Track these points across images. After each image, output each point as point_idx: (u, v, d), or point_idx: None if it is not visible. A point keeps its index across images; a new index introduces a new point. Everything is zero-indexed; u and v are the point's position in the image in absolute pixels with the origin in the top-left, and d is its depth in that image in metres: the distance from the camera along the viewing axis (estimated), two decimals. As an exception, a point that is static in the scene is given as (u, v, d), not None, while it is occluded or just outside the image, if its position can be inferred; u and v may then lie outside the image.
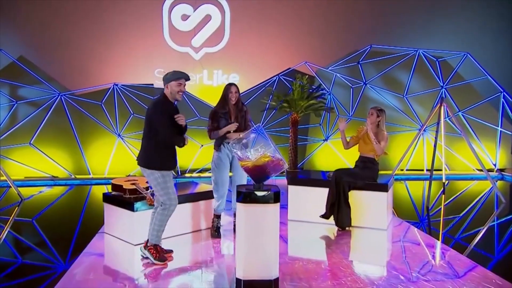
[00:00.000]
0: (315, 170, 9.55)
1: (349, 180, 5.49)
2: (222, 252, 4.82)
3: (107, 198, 5.19)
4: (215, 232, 5.16)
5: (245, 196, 3.65)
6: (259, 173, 3.71)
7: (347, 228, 5.51)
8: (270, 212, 3.67)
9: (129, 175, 9.31)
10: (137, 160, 4.30)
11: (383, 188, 5.49)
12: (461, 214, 6.73)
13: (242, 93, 9.94)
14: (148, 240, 4.28)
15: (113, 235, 5.11)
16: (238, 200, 3.68)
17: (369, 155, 5.64)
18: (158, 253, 4.24)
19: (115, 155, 9.61)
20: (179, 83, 4.21)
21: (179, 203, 5.04)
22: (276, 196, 3.67)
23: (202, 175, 9.67)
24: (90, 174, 9.52)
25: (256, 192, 3.67)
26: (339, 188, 5.45)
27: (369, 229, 5.49)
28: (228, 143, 4.94)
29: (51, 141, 9.42)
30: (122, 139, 9.67)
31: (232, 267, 4.20)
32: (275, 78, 10.21)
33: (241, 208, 3.69)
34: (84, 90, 9.65)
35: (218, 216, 5.19)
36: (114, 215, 5.07)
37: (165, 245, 4.53)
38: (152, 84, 9.89)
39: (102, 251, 4.83)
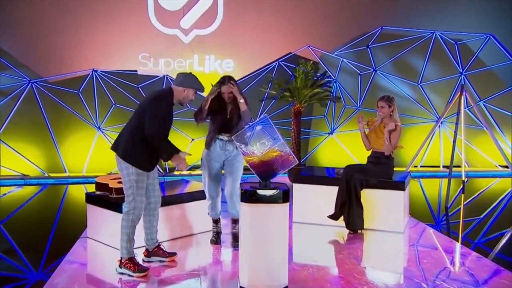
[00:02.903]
0: (319, 167, 9.59)
1: (361, 178, 5.51)
2: (222, 258, 4.84)
3: (90, 198, 5.18)
4: (214, 238, 5.12)
5: (251, 195, 3.67)
6: (266, 169, 3.74)
7: (359, 231, 5.55)
8: (278, 212, 3.70)
9: (110, 173, 9.30)
10: (114, 146, 4.24)
11: (400, 186, 5.53)
12: (481, 216, 6.80)
13: (237, 80, 10.04)
14: (121, 257, 4.27)
15: (97, 240, 5.11)
16: (243, 200, 3.70)
17: (382, 150, 5.67)
18: (136, 265, 4.24)
19: (94, 151, 9.59)
20: (195, 94, 4.35)
21: (171, 203, 5.10)
22: (285, 195, 3.70)
23: (193, 172, 9.67)
24: (66, 172, 9.50)
25: (262, 191, 3.69)
26: (350, 186, 5.48)
27: (384, 232, 5.53)
28: (222, 139, 4.85)
29: (21, 135, 9.37)
30: (102, 132, 9.64)
31: (235, 274, 4.22)
32: (274, 64, 10.21)
33: (246, 209, 3.71)
34: (59, 77, 9.60)
35: (215, 221, 5.12)
36: (98, 217, 5.07)
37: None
38: (136, 71, 9.85)
39: (85, 258, 4.84)
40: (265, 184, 3.77)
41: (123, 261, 4.23)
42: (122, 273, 4.23)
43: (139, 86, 9.82)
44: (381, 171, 5.60)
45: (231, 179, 4.92)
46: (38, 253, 5.02)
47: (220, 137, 4.87)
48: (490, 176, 9.82)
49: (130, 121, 4.27)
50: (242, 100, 4.75)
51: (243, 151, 3.80)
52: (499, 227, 6.28)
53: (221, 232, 5.16)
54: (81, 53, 9.76)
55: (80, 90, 9.61)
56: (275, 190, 3.69)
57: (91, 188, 8.28)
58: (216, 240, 5.10)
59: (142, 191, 4.23)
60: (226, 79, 4.85)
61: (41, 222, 6.49)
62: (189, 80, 4.33)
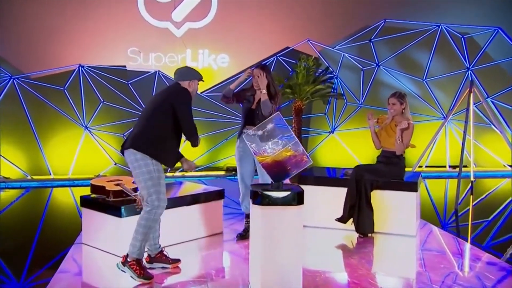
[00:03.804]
0: (320, 167, 9.61)
1: (372, 178, 5.55)
2: (230, 263, 4.87)
3: (86, 202, 5.15)
4: (238, 234, 5.39)
5: (263, 197, 3.68)
6: (279, 170, 3.76)
7: (369, 235, 5.58)
8: (292, 215, 3.72)
9: (98, 175, 9.26)
10: (129, 143, 4.21)
11: (412, 187, 5.58)
12: (489, 218, 6.86)
13: (232, 77, 10.05)
14: (127, 254, 4.23)
15: (94, 246, 5.09)
16: (255, 202, 3.71)
17: (393, 149, 5.71)
18: (142, 269, 4.21)
19: (81, 152, 9.55)
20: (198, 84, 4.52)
21: (172, 206, 5.09)
22: (300, 197, 3.72)
23: (186, 174, 9.65)
24: (50, 174, 9.44)
25: (275, 193, 3.71)
26: (360, 187, 5.51)
27: (396, 236, 5.57)
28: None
29: (1, 135, 9.29)
30: (89, 131, 9.60)
31: (244, 281, 4.23)
32: (272, 59, 10.24)
33: (258, 211, 3.73)
34: (43, 72, 9.54)
35: (245, 216, 5.38)
36: (95, 222, 5.06)
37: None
38: (125, 66, 9.82)
39: (82, 265, 4.82)
40: (277, 185, 3.79)
41: (129, 259, 4.18)
42: (123, 272, 4.17)
43: (129, 82, 9.78)
44: (392, 172, 5.64)
45: (261, 178, 5.09)
46: (21, 261, 4.95)
47: (245, 130, 5.08)
48: (499, 176, 9.89)
49: (148, 117, 4.26)
50: (264, 91, 4.97)
51: (254, 151, 3.81)
52: (509, 229, 6.35)
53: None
54: (66, 47, 9.69)
55: (66, 86, 9.54)
56: (288, 192, 3.71)
57: (78, 191, 8.33)
58: (242, 236, 5.34)
59: (164, 189, 4.27)
60: (261, 65, 5.26)
61: (24, 228, 6.42)
62: (191, 71, 4.53)
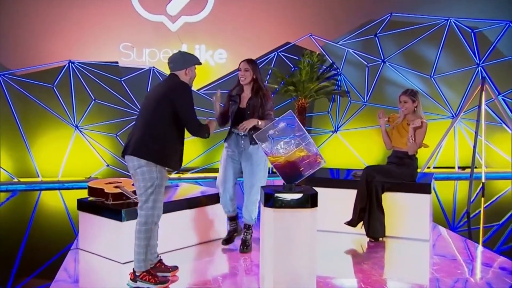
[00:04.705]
0: (324, 168, 9.63)
1: (383, 180, 5.58)
2: (235, 270, 4.86)
3: (83, 205, 5.15)
4: (225, 237, 5.33)
5: (276, 200, 3.70)
6: (291, 171, 3.79)
7: (380, 239, 5.61)
8: (305, 218, 3.75)
9: (90, 177, 9.26)
10: (131, 148, 4.16)
11: (426, 189, 5.61)
12: (500, 222, 6.91)
13: (230, 74, 10.07)
14: (134, 269, 4.24)
15: (92, 252, 5.10)
16: (267, 205, 3.73)
17: (405, 149, 5.74)
18: (155, 276, 4.24)
19: (71, 153, 9.54)
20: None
21: (172, 211, 5.10)
22: (314, 199, 3.74)
23: (182, 176, 9.67)
24: (39, 176, 9.42)
25: (287, 195, 3.73)
26: (371, 189, 5.53)
27: (408, 240, 5.61)
28: (237, 133, 5.06)
29: (-14, 135, 9.28)
30: (80, 131, 9.59)
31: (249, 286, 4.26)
32: (273, 54, 10.27)
33: (270, 214, 3.75)
34: (30, 69, 9.52)
35: (230, 218, 5.33)
36: (93, 226, 5.05)
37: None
38: (117, 62, 9.81)
39: (80, 272, 4.81)
40: (289, 187, 3.82)
41: (137, 274, 4.20)
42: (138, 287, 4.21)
43: (122, 79, 9.78)
44: (404, 173, 5.67)
45: (248, 183, 5.05)
46: (7, 268, 4.90)
47: (234, 130, 5.08)
48: (510, 178, 9.89)
49: (148, 119, 4.20)
50: (260, 122, 4.85)
51: (266, 151, 3.83)
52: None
53: (234, 231, 5.30)
54: (55, 42, 9.68)
55: (55, 84, 9.54)
56: (302, 194, 3.74)
57: (68, 194, 8.36)
58: (227, 240, 5.30)
59: (162, 197, 4.26)
60: (247, 60, 5.23)
61: (11, 234, 6.38)
62: (186, 57, 4.43)
